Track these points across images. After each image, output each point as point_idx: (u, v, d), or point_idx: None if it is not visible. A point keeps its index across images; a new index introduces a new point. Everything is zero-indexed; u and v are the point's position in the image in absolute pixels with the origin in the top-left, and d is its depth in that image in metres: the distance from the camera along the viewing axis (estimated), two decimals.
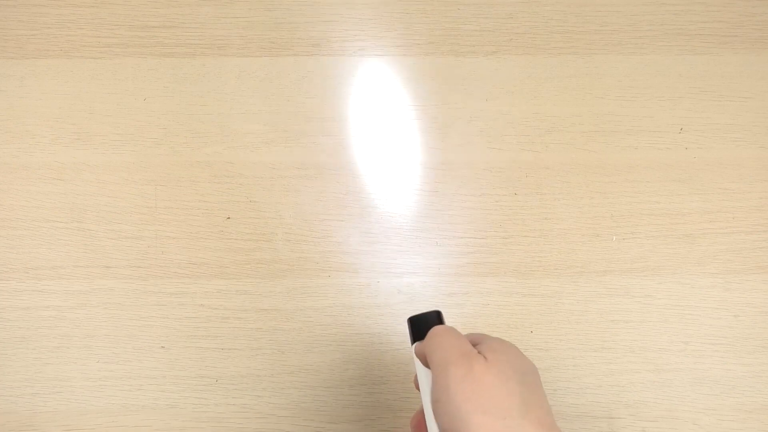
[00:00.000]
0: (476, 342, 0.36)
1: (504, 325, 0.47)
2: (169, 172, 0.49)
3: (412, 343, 0.38)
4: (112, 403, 0.46)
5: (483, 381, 0.32)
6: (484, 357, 0.33)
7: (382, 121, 0.50)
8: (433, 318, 0.38)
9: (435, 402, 0.33)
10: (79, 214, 0.48)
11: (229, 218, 0.48)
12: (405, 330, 0.47)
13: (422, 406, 0.35)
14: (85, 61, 0.51)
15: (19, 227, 0.48)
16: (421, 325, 0.38)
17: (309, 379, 0.46)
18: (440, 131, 0.50)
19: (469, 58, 0.51)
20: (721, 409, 0.46)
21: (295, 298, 0.47)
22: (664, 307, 0.47)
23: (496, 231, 0.48)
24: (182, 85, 0.50)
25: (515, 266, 0.48)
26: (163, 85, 0.50)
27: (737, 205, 0.49)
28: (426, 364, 0.35)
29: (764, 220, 0.49)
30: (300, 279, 0.48)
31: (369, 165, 0.49)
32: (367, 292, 0.47)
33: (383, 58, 0.51)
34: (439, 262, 0.48)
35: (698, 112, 0.50)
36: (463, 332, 0.46)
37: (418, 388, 0.37)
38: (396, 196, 0.49)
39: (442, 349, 0.34)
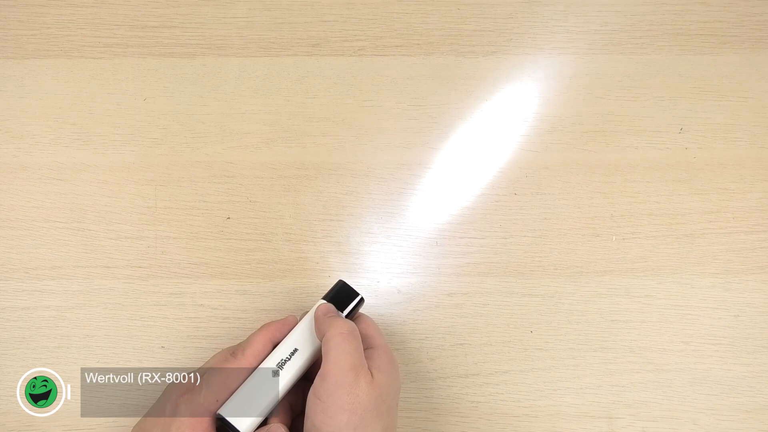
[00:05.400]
0: (370, 346, 0.40)
1: (504, 325, 0.47)
2: (169, 172, 0.49)
3: (324, 299, 0.42)
4: (112, 403, 0.46)
5: (362, 399, 0.36)
6: (371, 374, 0.37)
7: (381, 121, 0.50)
8: (356, 302, 0.42)
9: (315, 396, 0.37)
10: (79, 214, 0.48)
11: (229, 218, 0.48)
12: (404, 329, 0.47)
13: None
14: (85, 61, 0.51)
15: (19, 227, 0.48)
16: (343, 296, 0.42)
17: None
18: (440, 131, 0.50)
19: (469, 58, 0.51)
20: (720, 409, 0.46)
21: (295, 298, 0.47)
22: (664, 307, 0.47)
23: (496, 231, 0.48)
24: (182, 85, 0.50)
25: (515, 266, 0.48)
26: (163, 85, 0.50)
27: (737, 205, 0.49)
28: (318, 335, 0.39)
29: (764, 220, 0.49)
30: (300, 279, 0.48)
31: (369, 165, 0.49)
32: (367, 292, 0.47)
33: (383, 58, 0.51)
34: (439, 262, 0.48)
35: (698, 112, 0.50)
36: (462, 331, 0.47)
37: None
38: (396, 196, 0.49)
39: (339, 351, 0.37)
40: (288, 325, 0.41)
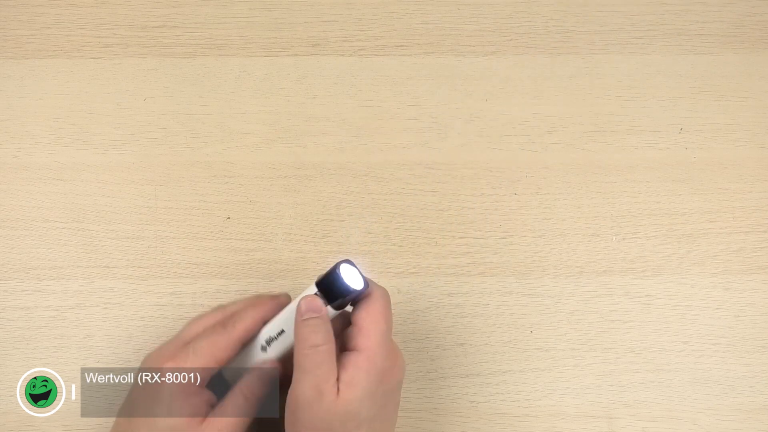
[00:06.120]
0: (355, 347, 0.36)
1: (504, 325, 0.47)
2: (169, 172, 0.49)
3: (317, 285, 0.38)
4: (112, 403, 0.46)
5: (322, 419, 0.34)
6: (339, 389, 0.34)
7: (381, 121, 0.50)
8: (349, 298, 0.37)
9: (286, 405, 0.36)
10: (79, 214, 0.48)
11: (229, 218, 0.48)
12: (404, 329, 0.47)
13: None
14: (85, 61, 0.51)
15: (19, 227, 0.48)
16: (336, 288, 0.37)
17: None
18: (440, 131, 0.50)
19: (468, 58, 0.51)
20: (720, 409, 0.46)
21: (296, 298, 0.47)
22: (664, 307, 0.47)
23: (496, 231, 0.48)
24: (182, 85, 0.50)
25: (515, 266, 0.48)
26: (163, 85, 0.50)
27: (737, 205, 0.49)
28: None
29: (764, 220, 0.49)
30: (300, 279, 0.48)
31: (369, 165, 0.49)
32: None
33: (383, 58, 0.51)
34: (439, 262, 0.48)
35: (698, 112, 0.50)
36: (462, 331, 0.47)
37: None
38: (396, 196, 0.49)
39: (301, 370, 0.35)
40: (281, 305, 0.40)
